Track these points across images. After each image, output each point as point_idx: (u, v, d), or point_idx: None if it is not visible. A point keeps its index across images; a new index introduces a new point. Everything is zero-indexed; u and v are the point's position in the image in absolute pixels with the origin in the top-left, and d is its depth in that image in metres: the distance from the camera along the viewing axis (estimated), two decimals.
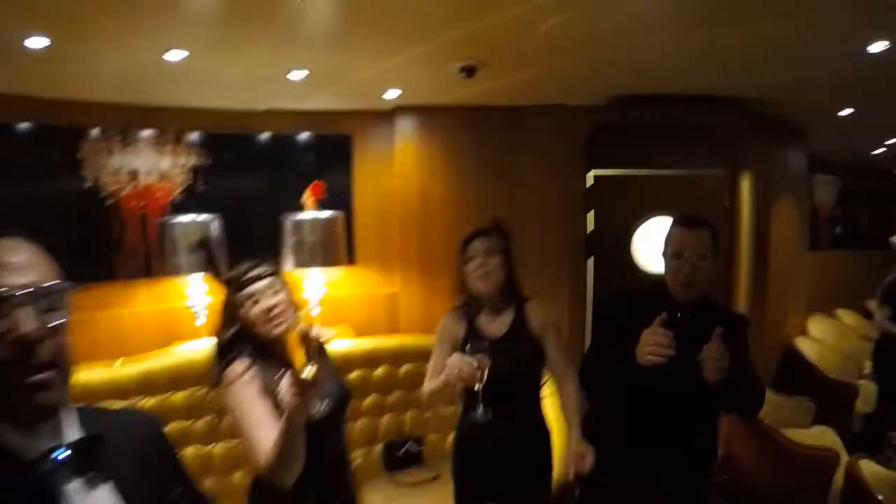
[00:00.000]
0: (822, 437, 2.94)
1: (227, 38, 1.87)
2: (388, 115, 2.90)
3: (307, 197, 2.74)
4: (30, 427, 0.69)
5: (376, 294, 2.99)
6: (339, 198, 2.89)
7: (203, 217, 2.59)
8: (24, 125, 2.41)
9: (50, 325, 0.68)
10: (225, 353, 1.47)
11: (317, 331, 1.29)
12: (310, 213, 2.74)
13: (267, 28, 1.79)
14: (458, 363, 1.60)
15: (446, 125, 2.90)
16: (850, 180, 5.37)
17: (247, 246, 2.76)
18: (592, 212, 3.20)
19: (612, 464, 1.76)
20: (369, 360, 2.68)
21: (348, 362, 2.60)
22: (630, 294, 1.90)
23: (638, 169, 3.24)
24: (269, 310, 1.46)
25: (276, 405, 1.36)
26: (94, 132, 2.55)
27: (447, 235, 2.87)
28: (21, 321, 0.65)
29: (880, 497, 2.00)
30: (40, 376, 0.67)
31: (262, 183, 2.87)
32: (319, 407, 1.38)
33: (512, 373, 1.73)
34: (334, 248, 2.69)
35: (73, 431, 0.73)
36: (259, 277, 1.49)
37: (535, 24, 1.82)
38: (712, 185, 3.36)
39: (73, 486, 0.69)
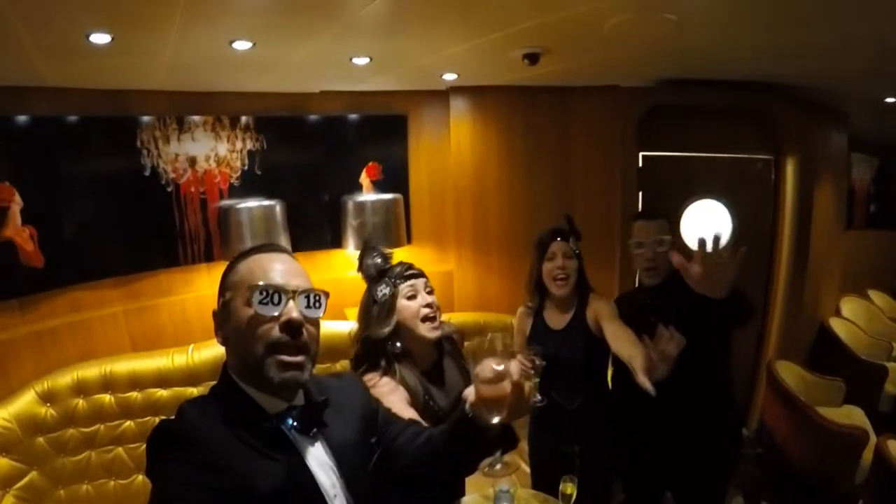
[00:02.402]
0: (852, 415, 3.03)
1: (292, 28, 1.85)
2: (442, 95, 2.88)
3: (363, 178, 2.75)
4: (275, 393, 0.91)
5: (431, 272, 2.85)
6: (394, 178, 2.90)
7: (266, 202, 2.62)
8: (83, 116, 2.42)
9: (310, 317, 0.92)
10: (373, 353, 1.46)
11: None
12: (371, 195, 2.76)
13: (332, 18, 1.77)
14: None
15: (500, 104, 2.88)
16: (887, 159, 5.31)
17: (306, 227, 2.81)
18: (640, 192, 3.20)
19: (638, 424, 1.97)
20: None
21: None
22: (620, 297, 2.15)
23: (686, 151, 3.24)
24: (427, 306, 1.48)
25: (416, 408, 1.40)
26: (151, 120, 2.56)
27: (501, 213, 2.97)
28: (293, 310, 0.89)
29: None
30: (297, 358, 0.89)
31: (317, 164, 2.86)
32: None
33: (570, 361, 1.89)
34: (396, 229, 2.72)
35: (300, 397, 0.96)
36: (417, 275, 1.53)
37: (603, 19, 1.83)
38: (758, 168, 3.37)
39: (301, 438, 0.92)
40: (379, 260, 1.56)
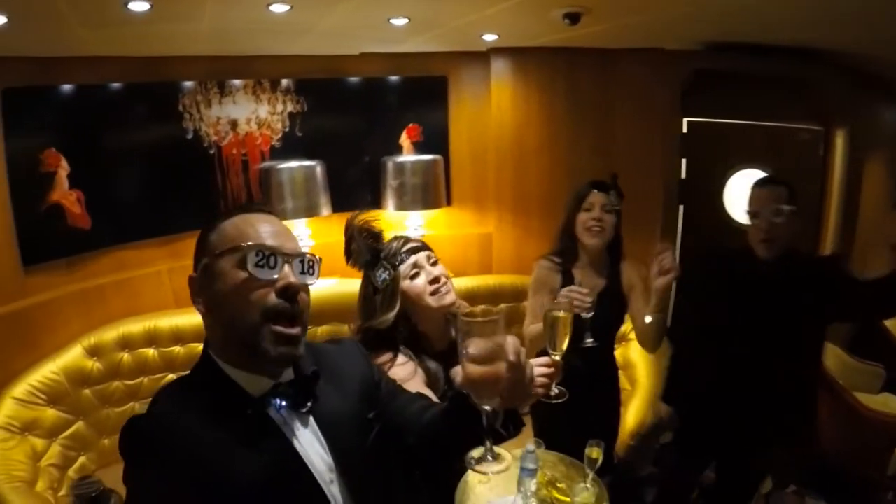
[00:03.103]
0: (889, 404, 2.92)
1: None
2: (482, 56, 2.84)
3: (404, 139, 2.73)
4: (260, 371, 0.83)
5: (471, 234, 2.99)
6: (434, 140, 2.88)
7: (307, 162, 2.62)
8: (125, 83, 2.46)
9: (305, 283, 0.84)
10: (383, 340, 1.34)
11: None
12: (411, 157, 2.75)
13: None
14: (570, 293, 1.52)
15: (541, 66, 2.82)
16: None
17: (346, 188, 2.81)
18: (683, 160, 3.12)
19: (702, 407, 1.88)
20: (468, 298, 2.69)
21: None
22: (716, 254, 1.99)
23: (732, 119, 3.14)
24: (434, 280, 1.36)
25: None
26: (193, 85, 2.58)
27: (541, 176, 2.92)
28: (290, 275, 0.82)
29: None
30: (293, 330, 0.81)
31: (357, 126, 2.86)
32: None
33: (599, 326, 1.75)
34: (435, 190, 2.71)
35: (289, 372, 0.87)
36: (416, 249, 1.39)
37: None
38: (806, 139, 3.24)
39: (289, 420, 0.84)
40: (370, 241, 1.40)
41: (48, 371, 2.23)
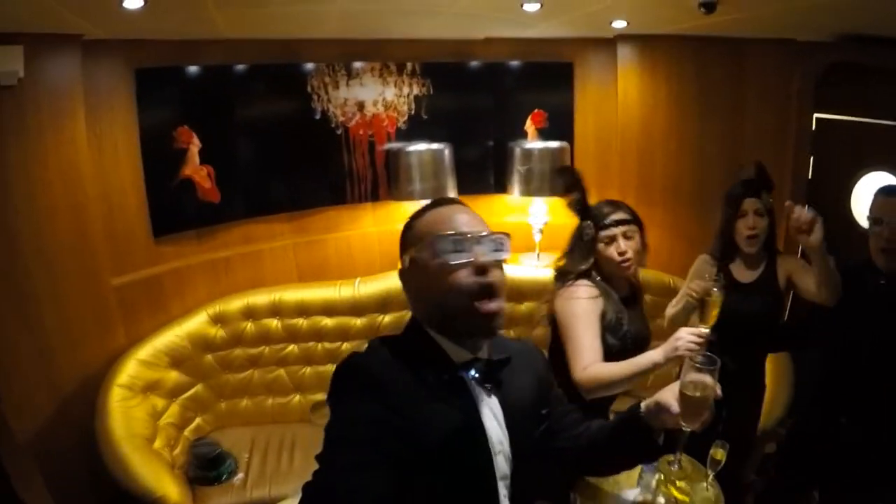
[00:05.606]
0: None
1: None
2: (609, 43, 2.80)
3: (528, 125, 2.72)
4: (465, 343, 0.93)
5: None
6: (559, 125, 2.85)
7: (435, 145, 2.65)
8: (256, 63, 2.54)
9: (497, 259, 0.92)
10: (577, 276, 1.61)
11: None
12: (539, 143, 2.73)
13: None
14: (688, 337, 1.52)
15: (669, 54, 2.76)
16: None
17: (470, 172, 2.82)
18: (811, 158, 2.97)
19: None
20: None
21: (539, 290, 2.61)
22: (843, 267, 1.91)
23: (866, 117, 2.97)
24: (622, 254, 1.58)
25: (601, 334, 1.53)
26: (321, 66, 2.65)
27: (667, 167, 2.84)
28: (480, 254, 0.90)
29: None
30: (493, 304, 0.90)
31: (482, 110, 2.87)
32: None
33: (752, 318, 1.84)
34: None
35: (484, 351, 0.96)
36: (619, 222, 1.60)
37: None
38: None
39: (479, 391, 0.93)
40: (578, 196, 1.66)
41: (173, 335, 2.32)
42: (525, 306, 2.65)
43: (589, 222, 1.61)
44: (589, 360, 1.47)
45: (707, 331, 1.37)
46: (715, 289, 1.41)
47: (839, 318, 1.78)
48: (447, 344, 0.93)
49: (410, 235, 0.97)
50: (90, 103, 2.13)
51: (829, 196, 3.01)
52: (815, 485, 2.02)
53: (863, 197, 3.04)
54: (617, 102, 2.85)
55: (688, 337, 1.35)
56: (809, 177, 2.97)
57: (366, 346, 0.93)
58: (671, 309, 1.86)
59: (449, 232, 0.90)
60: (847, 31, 2.69)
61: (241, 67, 2.52)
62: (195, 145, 2.44)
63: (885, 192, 1.78)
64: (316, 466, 0.80)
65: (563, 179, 1.70)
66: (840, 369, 1.84)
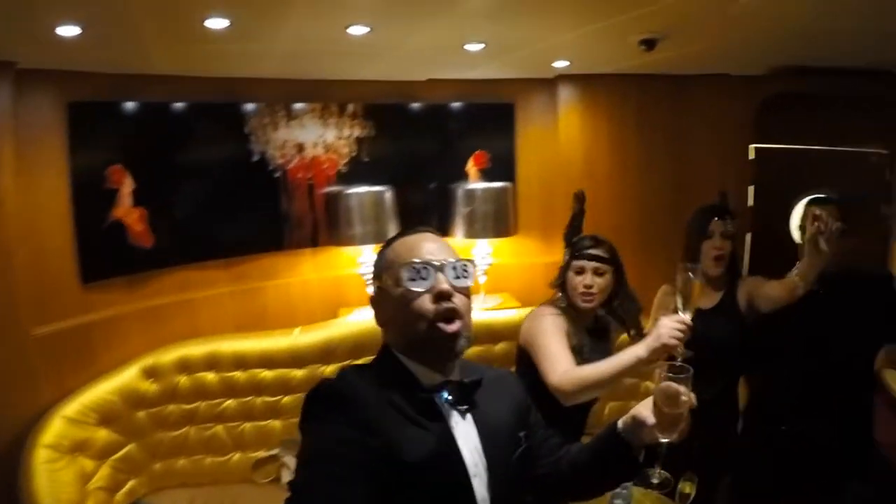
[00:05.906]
0: None
1: (412, 11, 1.79)
2: (550, 83, 2.81)
3: (470, 166, 2.70)
4: (433, 366, 0.96)
5: (537, 263, 2.88)
6: (502, 167, 2.85)
7: (377, 188, 2.60)
8: (193, 102, 2.47)
9: (458, 286, 0.95)
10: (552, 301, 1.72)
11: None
12: (482, 184, 2.71)
13: (452, 2, 1.69)
14: (670, 324, 1.52)
15: (611, 92, 2.80)
16: None
17: (413, 214, 2.77)
18: (751, 187, 3.05)
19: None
20: None
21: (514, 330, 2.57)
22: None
23: (799, 144, 3.08)
24: (587, 287, 1.64)
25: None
26: (260, 107, 2.58)
27: (612, 206, 2.84)
28: (443, 281, 0.93)
29: None
30: (453, 326, 0.93)
31: (423, 152, 2.84)
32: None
33: (716, 344, 1.81)
34: (505, 218, 2.66)
35: (455, 374, 0.99)
36: (592, 257, 1.65)
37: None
38: (872, 163, 3.16)
39: (452, 413, 0.95)
40: (574, 223, 1.91)
41: (102, 390, 2.17)
42: (499, 347, 2.60)
43: (568, 249, 1.72)
44: (565, 365, 1.47)
45: (689, 317, 1.31)
46: (690, 274, 1.34)
47: (778, 328, 1.86)
48: (417, 367, 0.95)
49: (379, 264, 1.01)
50: (20, 136, 1.98)
51: (771, 219, 3.10)
52: (779, 497, 2.02)
53: (800, 219, 3.15)
54: (559, 142, 2.86)
55: (670, 324, 1.30)
56: (750, 203, 3.05)
57: (337, 372, 0.95)
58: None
59: (413, 260, 0.94)
60: (781, 63, 2.79)
61: (179, 105, 2.43)
62: (127, 186, 2.33)
63: (811, 202, 1.91)
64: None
65: (575, 203, 1.92)
66: (778, 377, 1.91)
